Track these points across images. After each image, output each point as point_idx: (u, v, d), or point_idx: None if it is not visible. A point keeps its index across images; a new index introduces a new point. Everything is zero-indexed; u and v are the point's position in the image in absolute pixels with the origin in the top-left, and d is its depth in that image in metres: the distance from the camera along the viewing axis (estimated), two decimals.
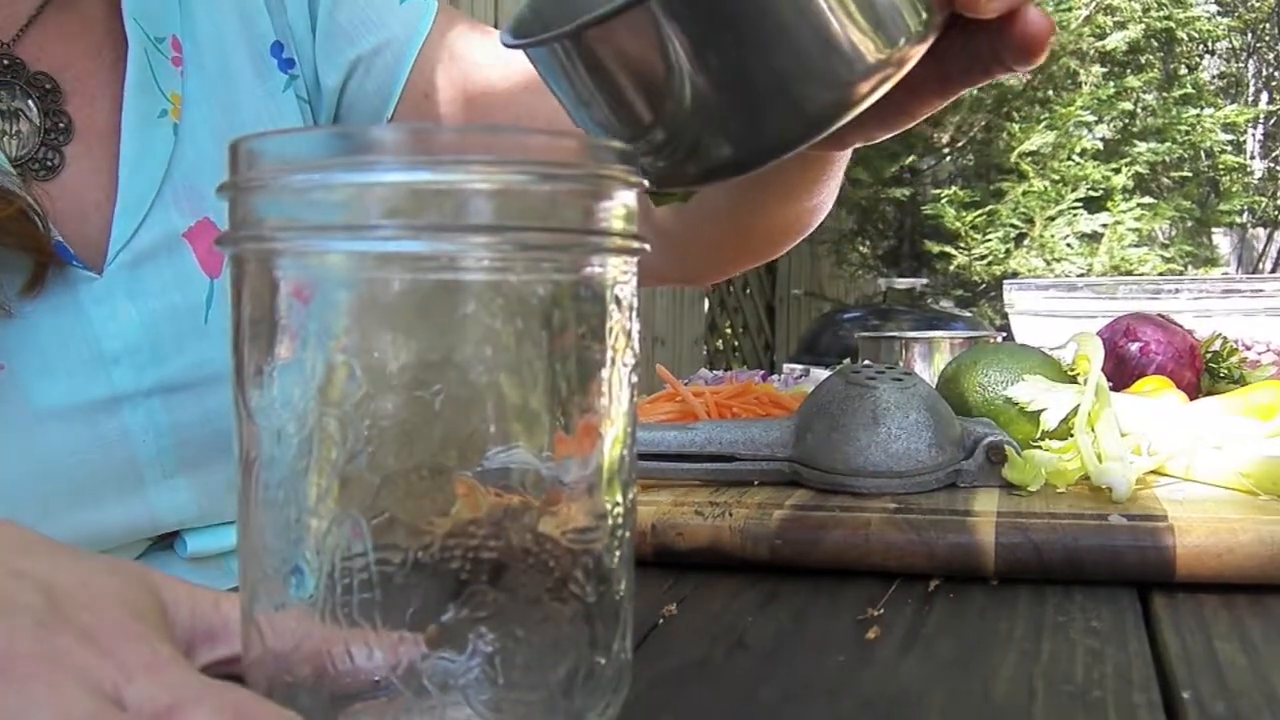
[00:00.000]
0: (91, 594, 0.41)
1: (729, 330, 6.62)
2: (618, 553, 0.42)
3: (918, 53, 0.55)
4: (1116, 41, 6.47)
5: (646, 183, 0.43)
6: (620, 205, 0.42)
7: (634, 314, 0.43)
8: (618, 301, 0.42)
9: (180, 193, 0.83)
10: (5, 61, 0.78)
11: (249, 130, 0.84)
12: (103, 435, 0.78)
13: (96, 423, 0.78)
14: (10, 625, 0.38)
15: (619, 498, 0.42)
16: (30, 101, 0.79)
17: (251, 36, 0.90)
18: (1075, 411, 0.80)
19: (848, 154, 0.80)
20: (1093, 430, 0.77)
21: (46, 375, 0.76)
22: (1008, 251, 6.30)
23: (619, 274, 0.42)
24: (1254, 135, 8.15)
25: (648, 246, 0.43)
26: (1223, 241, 7.78)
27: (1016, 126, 6.38)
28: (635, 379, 0.44)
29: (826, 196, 0.87)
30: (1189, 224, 6.89)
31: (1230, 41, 8.01)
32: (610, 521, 0.42)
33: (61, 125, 0.80)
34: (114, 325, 0.79)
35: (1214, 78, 7.96)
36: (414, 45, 0.93)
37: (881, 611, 0.61)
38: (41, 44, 0.81)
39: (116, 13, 0.83)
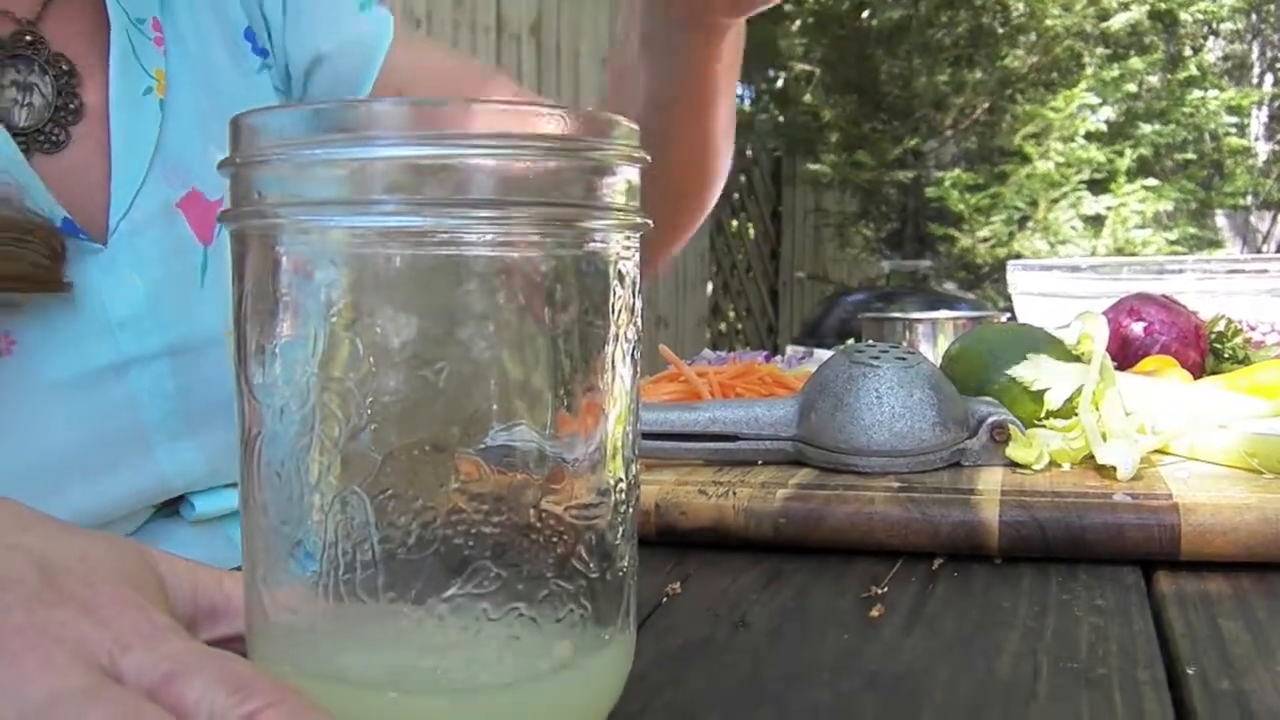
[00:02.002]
0: (88, 566, 0.41)
1: (732, 313, 6.62)
2: (621, 529, 0.42)
3: None
4: (1120, 23, 6.45)
5: None
6: (623, 180, 0.42)
7: (637, 290, 0.43)
8: (620, 277, 0.42)
9: (169, 166, 0.85)
10: (29, 37, 0.81)
11: (227, 107, 0.86)
12: (111, 401, 0.80)
13: (104, 390, 0.79)
14: (4, 599, 0.38)
15: (622, 474, 0.42)
16: (46, 78, 0.81)
17: (224, 23, 0.93)
18: (1079, 391, 0.79)
19: (725, 56, 0.95)
20: (1097, 409, 0.77)
21: (56, 347, 0.77)
22: (1011, 234, 6.30)
23: (621, 250, 0.42)
24: (1258, 117, 8.12)
25: (650, 222, 0.43)
26: (1226, 224, 7.77)
27: (1020, 109, 6.37)
28: (638, 355, 0.44)
29: (722, 119, 0.99)
30: (1193, 206, 6.87)
31: (1234, 23, 7.98)
32: (614, 498, 0.42)
33: (73, 106, 0.82)
34: (120, 293, 0.81)
35: (1218, 60, 7.93)
36: (380, 49, 0.97)
37: (885, 590, 0.60)
38: (59, 24, 0.83)
39: None
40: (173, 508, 0.87)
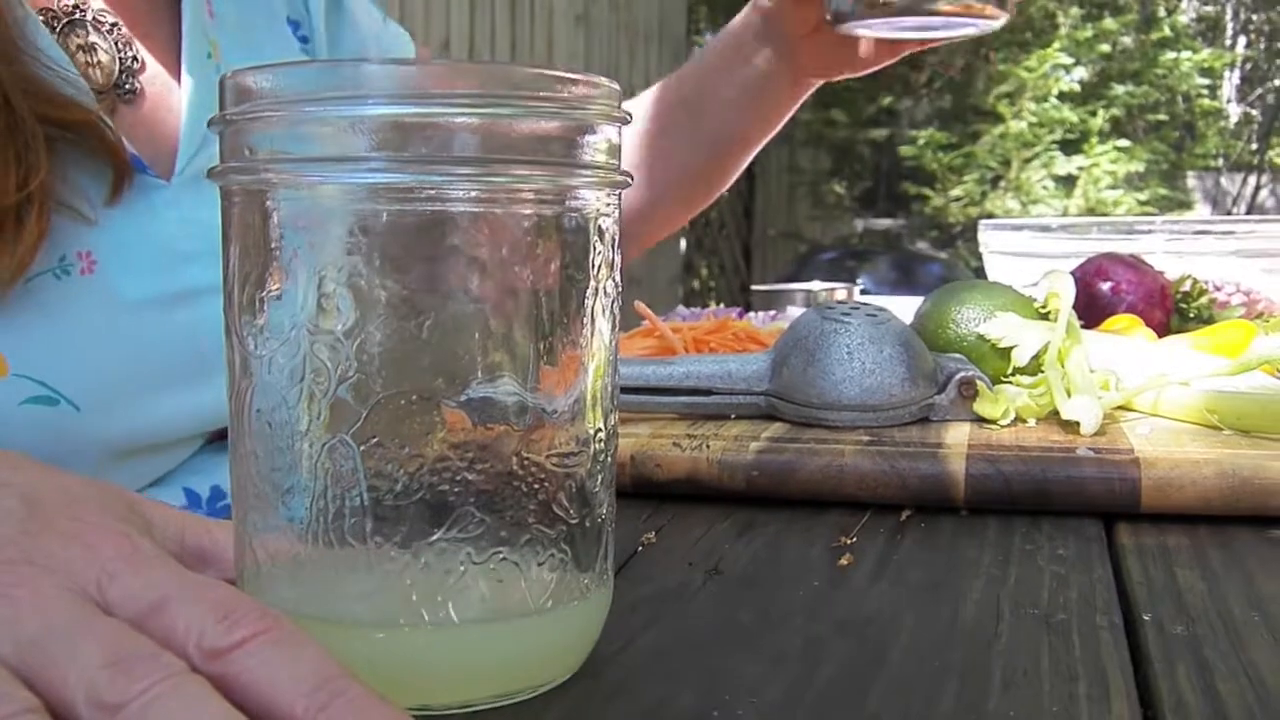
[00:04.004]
0: (73, 500, 0.43)
1: (705, 270, 6.62)
2: (600, 477, 0.44)
3: None
4: None
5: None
6: (603, 139, 0.43)
7: (616, 246, 0.45)
8: (600, 233, 0.43)
9: None
10: (70, 4, 0.85)
11: None
12: (178, 326, 0.83)
13: (173, 315, 0.83)
14: None
15: (601, 424, 0.44)
16: (101, 35, 0.86)
17: (270, 11, 1.00)
18: (1046, 348, 0.81)
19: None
20: (1063, 366, 0.79)
21: (131, 271, 0.81)
22: (984, 193, 6.32)
23: (602, 206, 0.43)
24: (1230, 80, 8.15)
25: (630, 180, 0.44)
26: (1196, 185, 7.81)
27: (994, 68, 6.38)
28: (617, 309, 0.45)
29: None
30: (1164, 167, 6.91)
31: None
32: (593, 447, 0.43)
33: (132, 54, 0.87)
34: (186, 228, 0.84)
35: (1192, 21, 7.94)
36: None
37: (854, 540, 0.62)
38: None
39: None
40: (224, 440, 0.90)
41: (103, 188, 0.81)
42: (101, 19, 0.86)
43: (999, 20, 1.02)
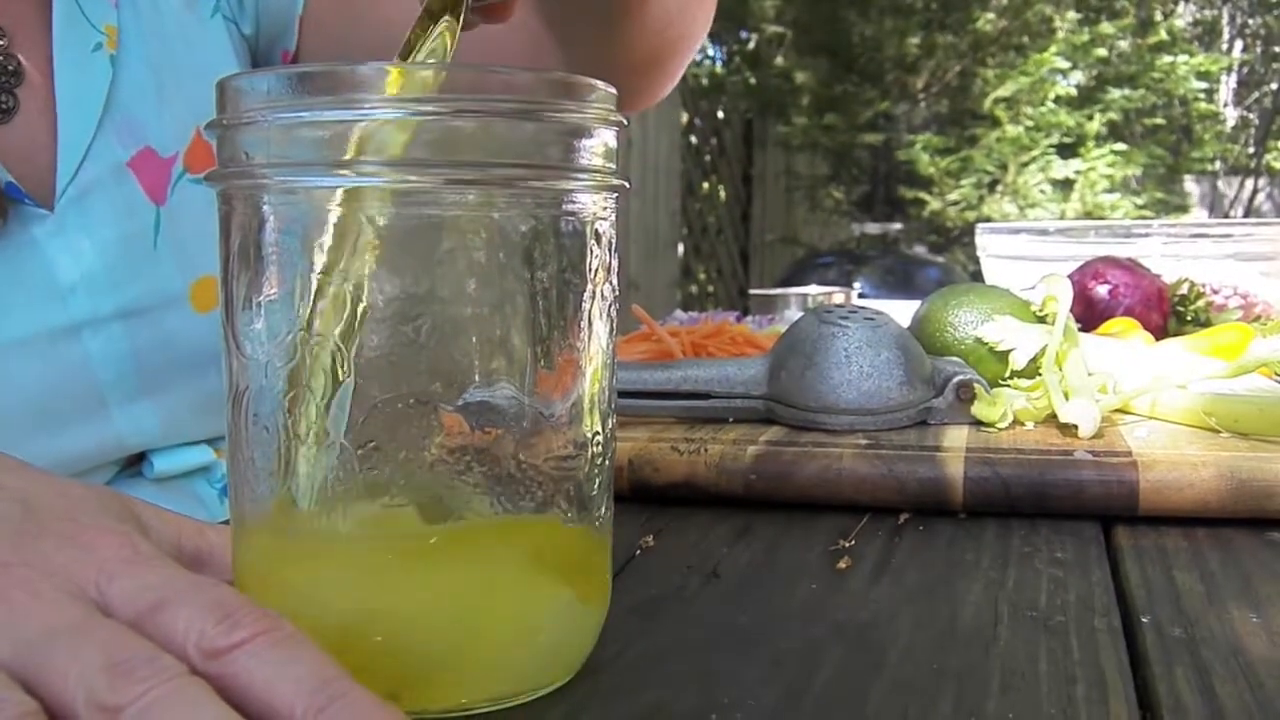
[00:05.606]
0: (69, 502, 0.43)
1: (703, 275, 6.62)
2: (598, 481, 0.44)
3: None
4: None
5: None
6: (600, 143, 0.43)
7: (613, 250, 0.45)
8: (597, 237, 0.43)
9: (120, 124, 0.84)
10: None
11: (181, 58, 0.87)
12: (65, 362, 0.80)
13: (58, 350, 0.80)
14: None
15: (599, 427, 0.44)
16: None
17: None
18: (1044, 351, 0.81)
19: None
20: (1060, 369, 0.79)
21: (6, 309, 0.77)
22: (981, 197, 6.33)
23: (599, 210, 0.43)
24: (1227, 83, 8.15)
25: (628, 184, 0.44)
26: (1194, 189, 7.81)
27: (991, 72, 6.39)
28: (615, 313, 0.45)
29: (685, 27, 0.93)
30: (1161, 171, 6.91)
31: None
32: (590, 450, 0.43)
33: (10, 68, 0.81)
34: (68, 257, 0.81)
35: (1188, 25, 7.95)
36: None
37: (852, 543, 0.62)
38: None
39: None
40: (135, 467, 0.88)
41: None
42: None
43: None
